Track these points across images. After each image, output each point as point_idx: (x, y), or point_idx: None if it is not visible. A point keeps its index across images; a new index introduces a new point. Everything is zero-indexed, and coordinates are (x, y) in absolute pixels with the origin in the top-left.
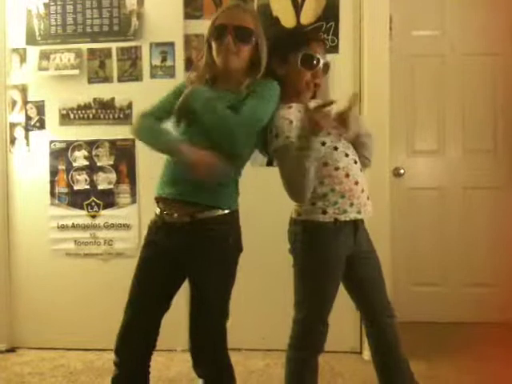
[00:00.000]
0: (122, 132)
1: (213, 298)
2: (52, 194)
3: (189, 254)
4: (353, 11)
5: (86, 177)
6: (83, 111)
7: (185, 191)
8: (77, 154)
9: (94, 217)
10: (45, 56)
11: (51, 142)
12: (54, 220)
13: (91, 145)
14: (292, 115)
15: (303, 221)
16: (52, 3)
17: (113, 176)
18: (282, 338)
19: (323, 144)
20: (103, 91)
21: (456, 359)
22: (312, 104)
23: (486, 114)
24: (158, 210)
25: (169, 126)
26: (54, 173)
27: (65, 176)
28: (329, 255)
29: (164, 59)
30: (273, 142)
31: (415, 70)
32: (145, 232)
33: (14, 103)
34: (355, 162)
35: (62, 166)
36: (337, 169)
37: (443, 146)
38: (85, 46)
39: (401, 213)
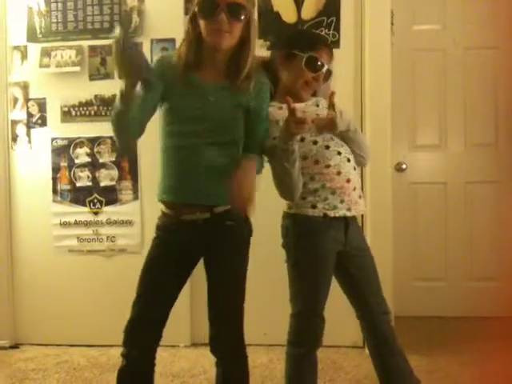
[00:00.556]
0: None
1: (235, 281)
2: (54, 191)
3: (210, 244)
4: (354, 6)
5: (88, 173)
6: (85, 108)
7: (201, 196)
8: (79, 150)
9: (96, 213)
10: (46, 53)
11: (53, 139)
12: (56, 217)
13: (93, 142)
14: (280, 116)
15: (293, 214)
16: (53, 0)
17: (115, 173)
18: (284, 333)
19: (315, 143)
20: (104, 88)
21: (458, 353)
22: (297, 107)
23: (487, 108)
24: (171, 212)
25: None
26: (56, 170)
27: (67, 173)
28: (319, 249)
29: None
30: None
31: (417, 64)
32: (147, 228)
33: (15, 100)
34: (348, 161)
35: (64, 163)
36: (328, 166)
37: (445, 141)
38: (86, 43)
39: (403, 207)
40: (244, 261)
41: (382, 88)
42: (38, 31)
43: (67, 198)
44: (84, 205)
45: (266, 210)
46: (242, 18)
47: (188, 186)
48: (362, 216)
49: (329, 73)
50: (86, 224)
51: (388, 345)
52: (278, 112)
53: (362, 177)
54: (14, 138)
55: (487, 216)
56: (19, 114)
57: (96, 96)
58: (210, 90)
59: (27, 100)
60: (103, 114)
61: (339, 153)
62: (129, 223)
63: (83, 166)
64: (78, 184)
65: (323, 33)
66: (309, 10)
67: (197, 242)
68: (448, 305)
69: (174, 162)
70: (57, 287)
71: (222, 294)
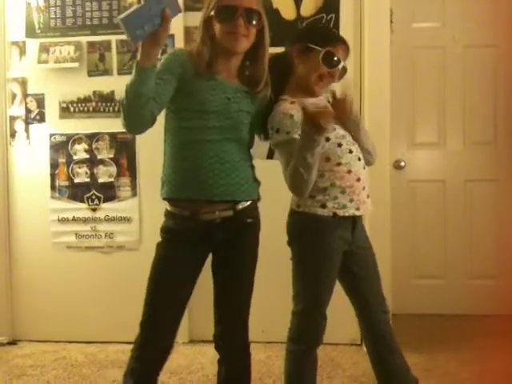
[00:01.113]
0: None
1: (251, 280)
2: (52, 187)
3: (228, 242)
4: (353, 3)
5: (87, 170)
6: (83, 104)
7: (225, 192)
8: (77, 147)
9: (94, 210)
10: (44, 49)
11: (51, 135)
12: (54, 213)
13: (91, 138)
14: (294, 110)
15: (302, 213)
16: None
17: (113, 169)
18: (282, 330)
19: (327, 140)
20: (103, 84)
21: (458, 351)
22: (309, 102)
23: (486, 106)
24: (184, 211)
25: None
26: (54, 166)
27: (65, 169)
28: (326, 248)
29: (164, 51)
30: (273, 137)
31: (416, 62)
32: (146, 225)
33: (13, 96)
34: (359, 159)
35: (62, 159)
36: (339, 164)
37: (444, 139)
38: (84, 39)
39: (401, 205)
40: (256, 251)
41: (381, 85)
42: (37, 27)
43: (65, 195)
44: (82, 201)
45: (265, 207)
46: (258, 23)
47: (210, 181)
48: None
49: (344, 70)
50: (84, 220)
51: (386, 343)
52: (291, 106)
53: None
54: (13, 134)
55: (486, 214)
56: (17, 109)
57: (94, 92)
58: (230, 90)
59: (25, 96)
60: (102, 110)
61: (351, 151)
62: (127, 220)
63: (81, 162)
64: (76, 180)
65: None
66: (308, 7)
67: (212, 240)
68: (447, 303)
69: (194, 157)
70: (55, 283)
71: (237, 292)
